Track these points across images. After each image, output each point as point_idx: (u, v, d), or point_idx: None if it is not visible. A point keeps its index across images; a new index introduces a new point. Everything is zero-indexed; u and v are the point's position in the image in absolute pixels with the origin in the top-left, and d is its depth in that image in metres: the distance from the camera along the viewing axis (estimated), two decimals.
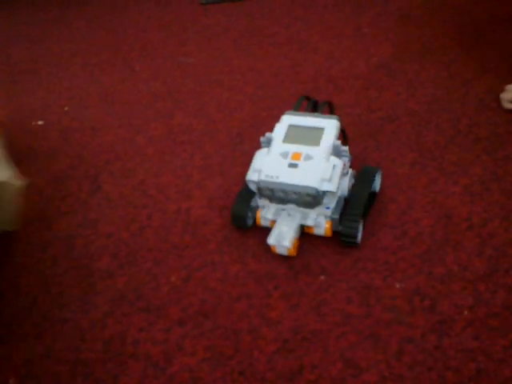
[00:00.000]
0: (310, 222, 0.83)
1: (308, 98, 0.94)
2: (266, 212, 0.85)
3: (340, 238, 0.84)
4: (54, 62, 1.51)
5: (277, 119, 1.19)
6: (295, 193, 0.79)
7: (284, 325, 0.76)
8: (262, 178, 0.81)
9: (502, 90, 1.15)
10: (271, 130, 1.15)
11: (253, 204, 0.89)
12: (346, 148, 0.84)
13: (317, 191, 0.78)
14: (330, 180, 0.79)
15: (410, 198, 0.95)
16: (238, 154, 1.10)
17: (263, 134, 0.91)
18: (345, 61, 1.39)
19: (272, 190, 0.81)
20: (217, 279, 0.83)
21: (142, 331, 0.77)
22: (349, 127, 1.15)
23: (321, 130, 0.85)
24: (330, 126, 0.85)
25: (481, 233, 0.87)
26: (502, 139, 1.06)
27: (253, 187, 0.85)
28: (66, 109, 1.29)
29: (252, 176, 0.83)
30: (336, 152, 0.83)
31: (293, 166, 0.81)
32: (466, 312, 0.75)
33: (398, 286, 0.79)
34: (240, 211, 0.87)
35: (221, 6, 1.73)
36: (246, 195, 0.89)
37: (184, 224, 0.94)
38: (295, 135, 0.86)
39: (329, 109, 0.94)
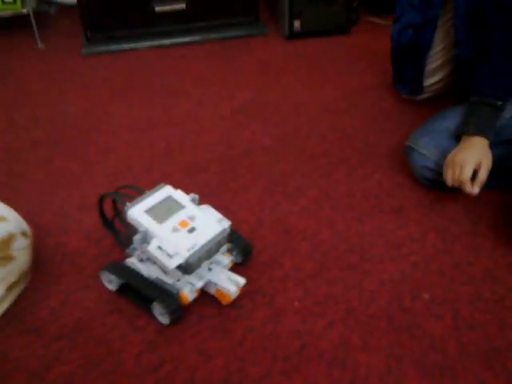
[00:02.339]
0: (226, 261, 0.94)
1: (113, 194, 0.99)
2: (192, 287, 0.89)
3: (243, 257, 0.99)
4: None
5: (147, 159, 1.34)
6: (216, 243, 0.88)
7: (149, 330, 0.90)
8: (187, 255, 0.85)
9: None
10: (143, 169, 1.30)
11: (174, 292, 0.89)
12: (197, 196, 0.96)
13: (226, 229, 0.90)
14: (222, 217, 0.92)
15: (258, 219, 1.13)
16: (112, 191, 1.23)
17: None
18: (212, 105, 1.59)
19: (200, 258, 0.87)
20: (91, 299, 0.96)
21: (23, 349, 0.87)
22: (212, 162, 1.33)
23: (169, 197, 0.93)
24: (170, 191, 0.94)
25: (312, 242, 1.07)
26: (335, 166, 1.29)
27: (173, 273, 0.88)
28: None
29: (174, 262, 0.83)
30: (195, 202, 0.95)
31: (191, 230, 0.88)
32: (296, 303, 0.93)
33: (244, 288, 0.95)
34: (177, 305, 0.87)
35: (100, 57, 1.88)
36: (165, 292, 0.89)
37: (61, 256, 1.05)
38: (161, 213, 0.90)
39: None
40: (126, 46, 1.91)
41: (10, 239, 0.94)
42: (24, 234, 0.97)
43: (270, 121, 1.49)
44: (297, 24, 1.94)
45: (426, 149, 1.13)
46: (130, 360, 0.85)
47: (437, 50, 1.32)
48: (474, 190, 1.03)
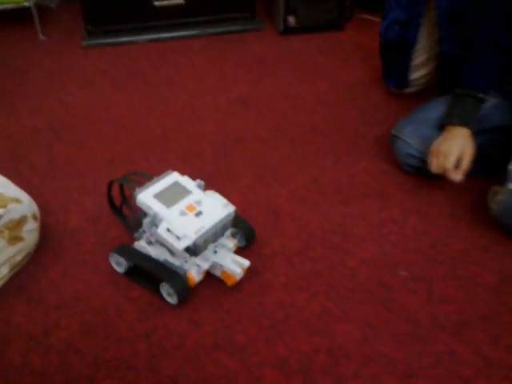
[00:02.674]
0: (230, 244, 0.98)
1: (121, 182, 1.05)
2: (199, 268, 0.94)
3: (246, 241, 1.04)
4: None
5: (145, 147, 1.40)
6: (222, 227, 0.93)
7: (143, 300, 0.96)
8: (194, 237, 0.89)
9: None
10: (140, 155, 1.36)
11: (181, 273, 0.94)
12: (202, 182, 1.00)
13: (231, 214, 0.95)
14: (228, 202, 0.96)
15: (249, 201, 1.19)
16: (110, 175, 1.29)
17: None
18: (208, 97, 1.64)
19: (206, 240, 0.91)
20: (88, 272, 1.02)
21: (24, 316, 0.93)
22: (207, 150, 1.39)
23: (177, 183, 0.97)
24: (177, 177, 0.98)
25: (299, 223, 1.13)
26: (324, 154, 1.35)
27: (181, 255, 0.92)
28: None
29: (183, 243, 0.87)
30: (201, 188, 1.00)
31: (198, 214, 0.92)
32: (282, 278, 0.99)
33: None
34: (184, 285, 0.92)
35: (100, 49, 1.93)
36: (172, 273, 0.93)
37: (61, 233, 1.11)
38: (169, 197, 0.93)
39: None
40: (125, 39, 1.97)
41: (22, 221, 1.00)
42: (35, 216, 1.04)
43: (264, 112, 1.55)
44: (292, 20, 1.99)
45: (409, 137, 1.19)
46: (124, 327, 0.91)
47: (422, 45, 1.38)
48: (458, 177, 1.09)
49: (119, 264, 1.01)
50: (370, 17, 2.15)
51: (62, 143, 1.42)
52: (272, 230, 1.11)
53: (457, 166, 1.10)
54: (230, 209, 0.96)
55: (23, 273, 1.02)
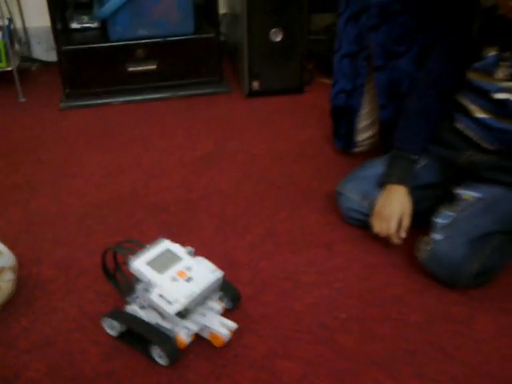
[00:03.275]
0: (218, 307, 1.05)
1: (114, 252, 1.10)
2: (188, 331, 1.00)
3: (232, 303, 1.11)
4: None
5: (116, 203, 1.51)
6: (210, 291, 1.01)
7: (107, 344, 1.05)
8: (186, 302, 0.94)
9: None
10: (110, 210, 1.47)
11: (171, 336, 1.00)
12: (193, 250, 1.09)
13: (219, 279, 1.02)
14: (215, 269, 1.04)
15: (208, 253, 1.29)
16: (82, 229, 1.40)
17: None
18: (176, 155, 1.78)
19: (196, 305, 0.98)
20: (58, 319, 1.11)
21: None
22: (172, 204, 1.51)
23: (168, 250, 1.05)
24: (168, 245, 1.05)
25: (253, 271, 1.24)
26: (280, 207, 1.48)
27: (172, 319, 0.98)
28: None
29: (174, 308, 0.94)
30: (191, 254, 1.08)
31: (188, 280, 0.99)
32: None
33: None
34: (174, 348, 0.98)
35: (77, 110, 2.07)
36: (163, 336, 0.99)
37: (34, 283, 1.21)
38: (161, 264, 1.00)
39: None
40: (101, 101, 2.11)
41: (0, 272, 1.09)
42: (13, 268, 1.13)
43: (227, 168, 1.69)
44: (256, 84, 2.17)
45: (351, 193, 1.33)
46: (89, 368, 1.00)
47: (365, 111, 1.55)
48: (402, 235, 1.24)
49: (112, 328, 1.05)
50: (327, 80, 2.34)
51: (37, 199, 1.53)
52: (228, 278, 1.22)
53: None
54: (218, 274, 1.03)
55: None
